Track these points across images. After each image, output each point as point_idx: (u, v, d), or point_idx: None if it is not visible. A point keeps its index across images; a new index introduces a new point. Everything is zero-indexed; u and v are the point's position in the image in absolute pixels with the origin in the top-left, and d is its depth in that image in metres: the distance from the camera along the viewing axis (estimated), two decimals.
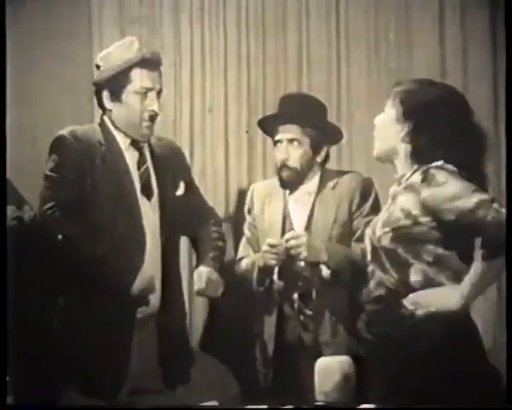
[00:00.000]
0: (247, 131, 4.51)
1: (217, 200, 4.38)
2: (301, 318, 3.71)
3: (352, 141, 4.41)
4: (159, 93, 3.57)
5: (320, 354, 3.40)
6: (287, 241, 3.64)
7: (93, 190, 3.47)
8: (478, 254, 2.82)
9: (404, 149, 2.99)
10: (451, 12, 4.52)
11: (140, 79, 3.53)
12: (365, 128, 3.88)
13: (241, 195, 4.36)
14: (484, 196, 2.82)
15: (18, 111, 4.23)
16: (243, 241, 3.97)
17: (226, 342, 4.21)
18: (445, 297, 2.86)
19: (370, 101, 4.38)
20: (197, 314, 4.41)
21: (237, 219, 4.23)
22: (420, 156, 2.97)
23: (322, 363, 3.23)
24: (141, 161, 3.57)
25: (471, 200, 2.82)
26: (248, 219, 3.95)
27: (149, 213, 3.52)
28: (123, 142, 3.56)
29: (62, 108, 4.36)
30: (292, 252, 3.65)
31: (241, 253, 3.96)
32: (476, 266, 2.83)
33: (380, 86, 4.39)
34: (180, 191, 3.59)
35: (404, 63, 4.50)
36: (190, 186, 3.70)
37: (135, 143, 3.57)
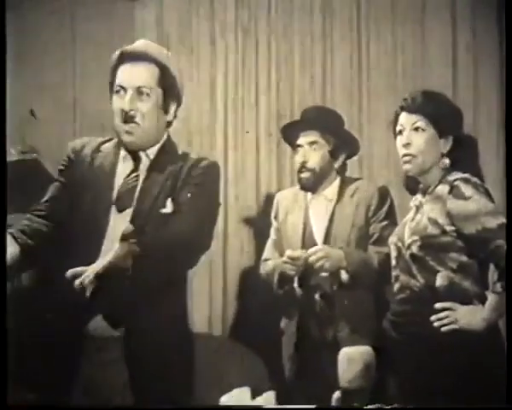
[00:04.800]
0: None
1: (248, 202, 4.61)
2: (322, 317, 3.84)
3: (371, 153, 4.58)
4: (141, 91, 3.06)
5: (339, 349, 3.43)
6: (308, 257, 3.73)
7: (75, 200, 3.13)
8: (496, 285, 2.93)
9: (442, 162, 3.10)
10: (463, 27, 4.67)
11: (118, 76, 3.10)
12: (384, 141, 4.19)
13: (269, 198, 4.48)
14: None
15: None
16: (269, 243, 4.08)
17: (255, 336, 4.28)
18: (469, 317, 2.98)
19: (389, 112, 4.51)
20: (229, 306, 4.60)
21: (263, 222, 4.37)
22: (456, 167, 3.08)
23: (345, 353, 3.31)
24: (132, 172, 3.13)
25: (495, 221, 2.93)
26: (274, 224, 4.07)
27: (119, 225, 3.02)
28: (122, 151, 3.17)
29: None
30: (314, 266, 3.74)
31: (266, 254, 4.06)
32: (495, 296, 2.94)
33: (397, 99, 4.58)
34: (166, 209, 3.06)
35: (420, 80, 4.64)
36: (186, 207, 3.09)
37: (132, 153, 3.13)
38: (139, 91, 3.04)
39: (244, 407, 3.17)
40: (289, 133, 4.04)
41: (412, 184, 3.24)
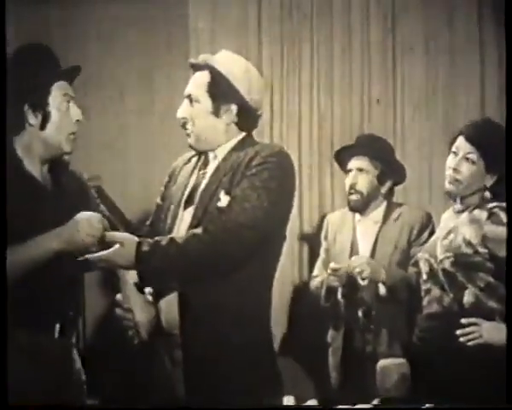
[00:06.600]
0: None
1: (292, 223, 4.80)
2: (364, 331, 4.05)
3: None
4: (191, 98, 3.01)
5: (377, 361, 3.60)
6: (350, 265, 3.96)
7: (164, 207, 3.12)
8: None
9: (484, 194, 3.20)
10: (492, 58, 4.85)
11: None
12: (418, 165, 4.43)
13: (320, 219, 4.71)
14: None
15: None
16: (319, 262, 4.28)
17: (302, 348, 4.54)
18: (493, 333, 3.07)
19: (423, 139, 4.79)
20: (276, 322, 4.59)
21: (313, 242, 4.59)
22: (495, 198, 3.18)
23: (382, 364, 3.49)
24: (200, 171, 3.09)
25: None
26: (324, 244, 4.28)
27: (185, 224, 2.98)
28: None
29: None
30: (356, 271, 3.96)
31: (316, 272, 4.27)
32: None
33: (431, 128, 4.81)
34: (221, 203, 2.91)
35: (452, 111, 4.84)
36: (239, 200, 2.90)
37: (203, 154, 3.09)
38: (190, 99, 3.01)
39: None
40: (342, 157, 4.26)
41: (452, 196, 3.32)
